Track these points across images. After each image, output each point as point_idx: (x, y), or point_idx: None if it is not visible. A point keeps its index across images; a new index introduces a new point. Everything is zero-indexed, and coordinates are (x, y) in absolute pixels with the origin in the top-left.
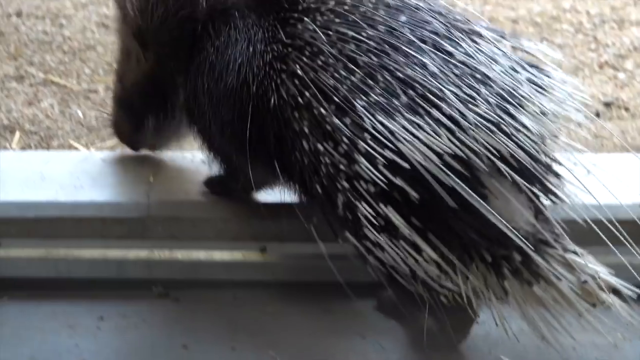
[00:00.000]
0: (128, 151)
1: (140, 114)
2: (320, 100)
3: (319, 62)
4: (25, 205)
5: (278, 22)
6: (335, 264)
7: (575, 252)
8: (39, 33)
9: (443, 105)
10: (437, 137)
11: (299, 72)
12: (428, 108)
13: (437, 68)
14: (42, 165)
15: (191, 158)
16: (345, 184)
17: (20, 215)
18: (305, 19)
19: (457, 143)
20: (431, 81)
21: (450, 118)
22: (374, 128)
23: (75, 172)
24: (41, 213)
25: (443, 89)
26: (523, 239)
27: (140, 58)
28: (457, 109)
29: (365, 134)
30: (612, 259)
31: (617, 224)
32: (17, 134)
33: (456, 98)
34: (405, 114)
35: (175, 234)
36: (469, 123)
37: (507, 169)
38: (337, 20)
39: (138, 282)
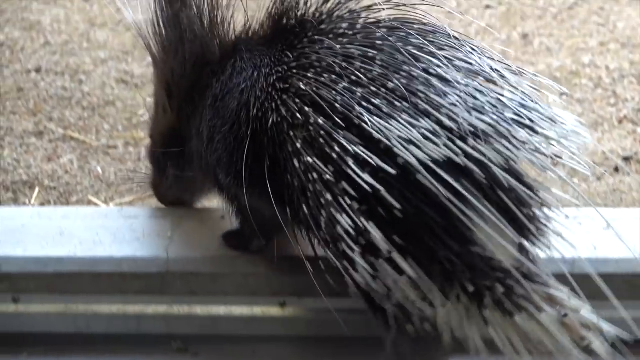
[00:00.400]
0: (147, 206)
1: (163, 164)
2: (320, 111)
3: (323, 79)
4: (44, 260)
5: (287, 47)
6: (353, 318)
7: (558, 289)
8: (58, 89)
9: (445, 112)
10: (434, 142)
11: (303, 87)
12: (429, 113)
13: (445, 81)
14: (61, 221)
15: (210, 213)
16: (329, 198)
17: (39, 270)
18: (316, 37)
19: (456, 149)
20: (436, 90)
21: (450, 126)
22: (368, 132)
23: (94, 228)
24: (60, 268)
25: (448, 98)
26: (508, 270)
27: (167, 108)
28: (459, 118)
29: (358, 144)
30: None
31: None
32: (37, 190)
33: (460, 109)
34: (405, 117)
35: (194, 289)
36: (469, 134)
37: (503, 195)
38: (344, 40)
39: (157, 337)
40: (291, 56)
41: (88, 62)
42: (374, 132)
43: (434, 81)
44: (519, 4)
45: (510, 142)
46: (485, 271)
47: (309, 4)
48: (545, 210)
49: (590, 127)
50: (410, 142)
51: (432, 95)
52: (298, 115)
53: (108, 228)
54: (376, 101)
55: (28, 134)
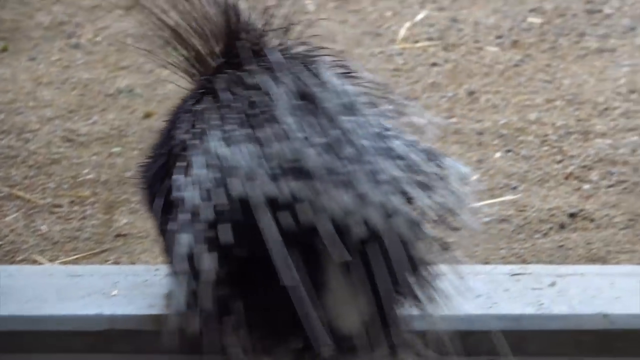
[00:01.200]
0: (92, 265)
1: None
2: (199, 134)
3: (212, 105)
4: None
5: (217, 73)
6: None
7: None
8: (4, 148)
9: (304, 152)
10: (277, 179)
11: (199, 110)
12: (278, 148)
13: (311, 117)
14: (5, 280)
15: (154, 271)
16: (187, 218)
17: None
18: (234, 65)
19: (301, 194)
20: (298, 126)
21: (301, 167)
22: (213, 160)
23: (39, 286)
24: (4, 327)
25: (309, 137)
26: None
27: None
28: (316, 160)
29: (210, 169)
30: None
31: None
32: None
33: (322, 153)
34: (252, 148)
35: (139, 347)
36: (324, 176)
37: (363, 252)
38: (249, 68)
39: None
40: (212, 82)
41: (34, 121)
42: (207, 157)
43: (294, 118)
44: (466, 62)
45: (374, 190)
46: (320, 334)
47: (248, 35)
48: (428, 268)
49: (537, 184)
50: (249, 176)
51: (291, 132)
52: (189, 135)
53: (53, 286)
54: (232, 127)
55: None
